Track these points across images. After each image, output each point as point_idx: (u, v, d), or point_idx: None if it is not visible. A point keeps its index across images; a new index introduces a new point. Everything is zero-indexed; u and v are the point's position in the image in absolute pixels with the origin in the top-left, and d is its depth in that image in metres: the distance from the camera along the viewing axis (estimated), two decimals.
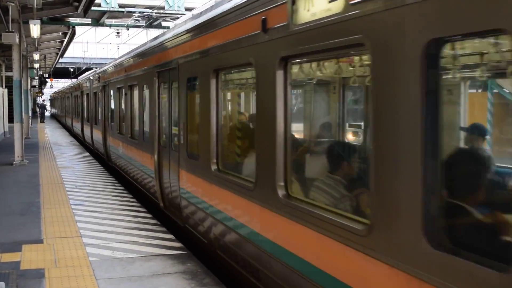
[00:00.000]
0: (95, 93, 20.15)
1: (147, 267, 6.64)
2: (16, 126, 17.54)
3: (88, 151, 22.01)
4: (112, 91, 15.84)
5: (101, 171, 15.65)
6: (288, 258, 4.75)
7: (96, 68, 26.35)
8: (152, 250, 7.37)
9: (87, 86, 23.12)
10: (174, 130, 8.69)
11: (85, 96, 24.41)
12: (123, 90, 13.61)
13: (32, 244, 7.69)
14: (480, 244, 3.07)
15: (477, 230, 3.31)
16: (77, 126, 28.82)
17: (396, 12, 3.21)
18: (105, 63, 20.92)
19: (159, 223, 9.02)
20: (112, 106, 16.04)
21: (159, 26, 28.60)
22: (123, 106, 13.94)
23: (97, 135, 19.17)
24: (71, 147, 23.98)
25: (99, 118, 18.72)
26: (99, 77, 18.91)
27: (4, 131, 28.76)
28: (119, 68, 14.53)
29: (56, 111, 63.75)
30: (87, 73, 30.42)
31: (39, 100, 68.30)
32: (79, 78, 36.74)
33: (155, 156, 9.76)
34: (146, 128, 11.02)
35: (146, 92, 10.93)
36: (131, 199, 11.10)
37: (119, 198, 11.17)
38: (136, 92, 12.20)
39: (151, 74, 10.06)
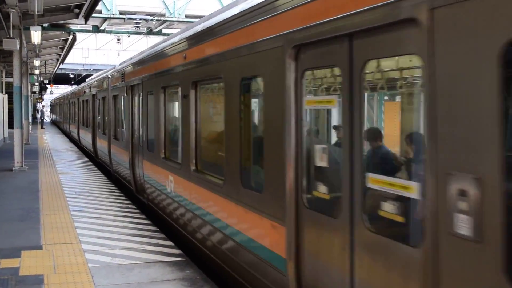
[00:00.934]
0: (115, 97, 15.23)
1: (146, 273, 6.64)
2: (16, 132, 17.55)
3: (105, 174, 16.45)
4: (150, 92, 10.59)
5: (100, 177, 15.63)
6: None
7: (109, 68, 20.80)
8: (151, 256, 7.36)
9: (103, 88, 18.05)
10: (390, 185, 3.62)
11: (98, 101, 19.32)
12: (177, 89, 8.56)
13: (31, 250, 7.68)
14: None
15: None
16: (86, 139, 23.04)
17: None
18: (132, 57, 14.44)
19: (158, 229, 9.00)
20: (151, 116, 10.58)
21: (159, 33, 28.70)
22: (176, 117, 9.27)
23: (120, 156, 14.18)
24: (71, 153, 23.96)
25: (123, 132, 13.73)
26: (123, 74, 13.77)
27: (4, 137, 28.77)
28: (166, 57, 9.23)
29: (58, 118, 57.25)
30: (102, 71, 23.73)
31: (39, 106, 68.37)
32: (89, 79, 30.36)
33: (290, 227, 4.69)
34: (257, 162, 5.81)
35: (249, 91, 6.06)
36: (131, 206, 11.09)
37: (118, 205, 11.16)
38: (212, 93, 7.84)
39: (272, 54, 5.02)
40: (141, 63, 11.64)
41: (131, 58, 14.13)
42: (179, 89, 8.38)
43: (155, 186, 10.06)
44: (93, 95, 21.07)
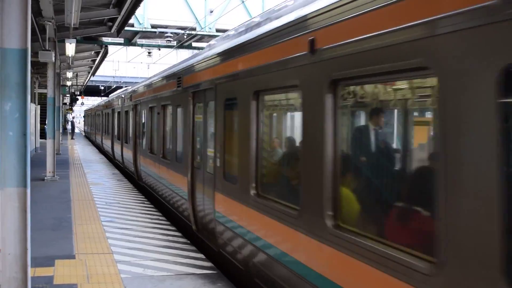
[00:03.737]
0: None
1: (178, 285, 6.65)
2: (49, 142, 17.86)
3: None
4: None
5: (131, 188, 15.77)
6: None
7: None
8: (182, 269, 7.38)
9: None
10: None
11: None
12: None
13: (64, 259, 7.78)
14: None
15: None
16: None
17: None
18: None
19: (188, 242, 9.03)
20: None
21: (189, 47, 28.99)
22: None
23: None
24: (101, 164, 24.25)
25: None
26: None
27: (35, 147, 29.28)
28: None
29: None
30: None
31: (69, 117, 69.59)
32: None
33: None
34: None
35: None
36: (161, 217, 11.15)
37: (148, 216, 11.24)
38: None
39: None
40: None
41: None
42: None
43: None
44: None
